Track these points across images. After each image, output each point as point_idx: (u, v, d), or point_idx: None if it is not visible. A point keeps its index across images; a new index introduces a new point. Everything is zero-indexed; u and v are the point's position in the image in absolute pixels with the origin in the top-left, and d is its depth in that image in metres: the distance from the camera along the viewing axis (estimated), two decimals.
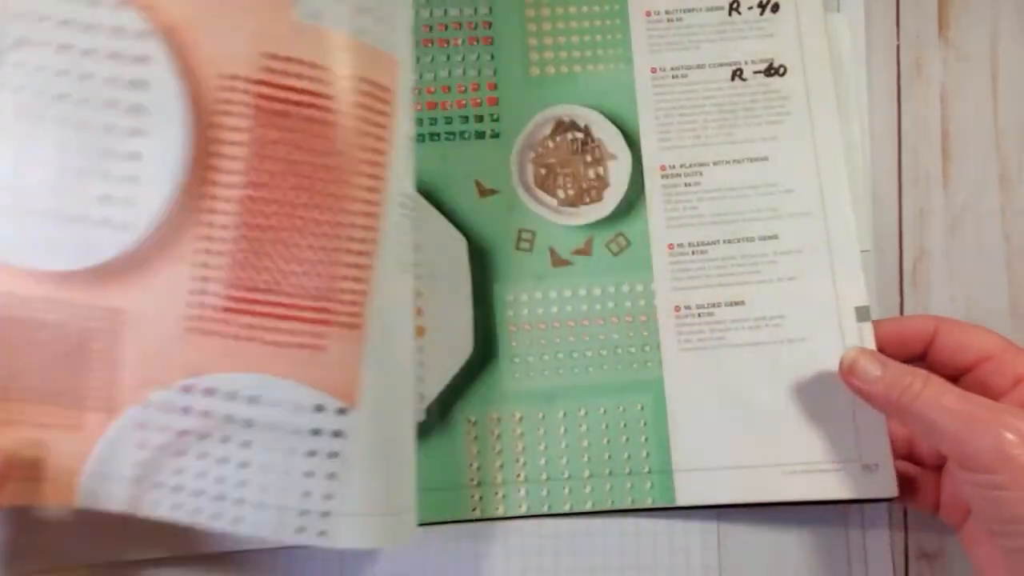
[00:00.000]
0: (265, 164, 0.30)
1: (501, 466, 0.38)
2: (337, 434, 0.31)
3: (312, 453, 0.31)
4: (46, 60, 0.29)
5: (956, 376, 0.34)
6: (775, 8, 0.40)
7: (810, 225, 0.38)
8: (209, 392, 0.30)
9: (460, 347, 0.38)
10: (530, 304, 0.39)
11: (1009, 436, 0.28)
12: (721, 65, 0.40)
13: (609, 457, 0.38)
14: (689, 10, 0.40)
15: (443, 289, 0.39)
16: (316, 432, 0.30)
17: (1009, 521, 0.29)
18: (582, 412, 0.38)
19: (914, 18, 0.43)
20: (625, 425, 0.38)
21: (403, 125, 0.32)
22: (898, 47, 0.43)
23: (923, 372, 0.32)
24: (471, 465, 0.38)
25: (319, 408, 0.31)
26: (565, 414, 0.38)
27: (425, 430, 0.38)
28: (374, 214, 0.31)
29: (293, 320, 0.30)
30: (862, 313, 0.38)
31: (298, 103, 0.30)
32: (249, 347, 0.30)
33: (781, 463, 0.37)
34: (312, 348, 0.30)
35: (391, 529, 0.31)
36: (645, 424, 0.38)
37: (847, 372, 0.34)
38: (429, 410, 0.38)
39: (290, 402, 0.30)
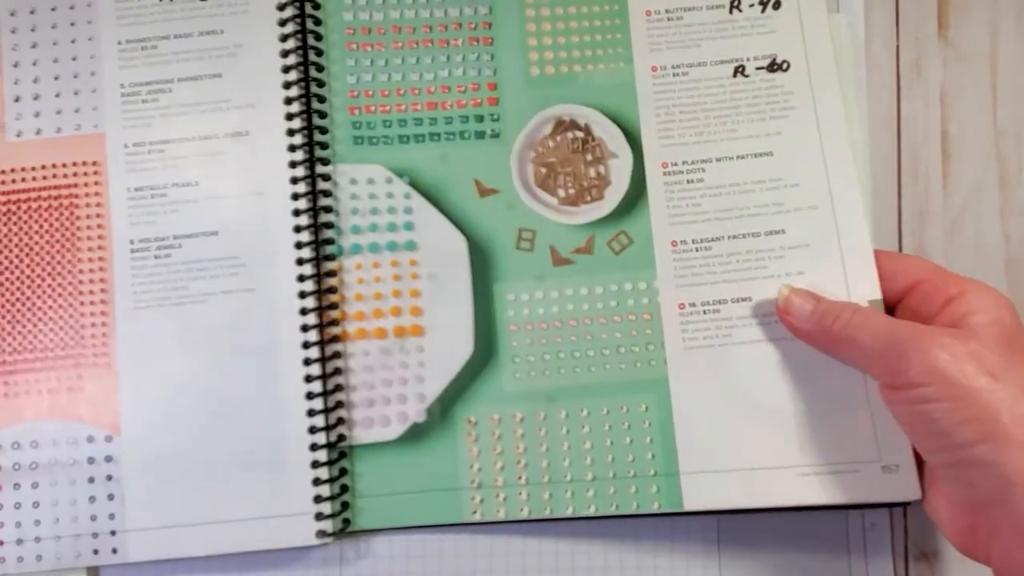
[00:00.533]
0: (6, 253, 0.40)
1: (502, 468, 0.37)
2: (108, 459, 0.37)
3: (91, 480, 0.37)
4: None
5: (891, 304, 0.36)
6: (776, 5, 0.40)
7: (818, 219, 0.38)
8: None
9: (460, 347, 0.38)
10: (531, 304, 0.39)
11: (935, 351, 0.29)
12: (722, 62, 0.40)
13: (612, 459, 0.37)
14: (689, 9, 0.40)
15: (443, 289, 0.39)
16: (91, 461, 0.37)
17: (942, 434, 0.29)
18: (584, 413, 0.38)
19: (913, 18, 0.43)
20: (629, 426, 0.37)
21: (119, 181, 0.39)
22: (897, 47, 0.43)
23: (853, 303, 0.34)
24: (471, 467, 0.37)
25: (90, 439, 0.38)
26: (567, 415, 0.37)
27: (425, 430, 0.37)
28: (105, 268, 0.39)
29: (54, 370, 0.39)
30: (876, 307, 0.37)
31: (22, 200, 0.40)
32: (23, 400, 0.38)
33: (795, 465, 0.36)
34: (74, 389, 0.38)
35: (183, 539, 0.36)
36: (649, 425, 0.37)
37: (782, 311, 0.36)
38: (430, 410, 0.38)
39: (65, 439, 0.38)
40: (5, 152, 0.40)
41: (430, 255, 0.39)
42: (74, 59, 0.41)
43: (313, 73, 0.40)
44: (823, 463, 0.36)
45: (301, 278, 0.38)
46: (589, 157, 0.40)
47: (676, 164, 0.39)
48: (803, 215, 0.38)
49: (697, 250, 0.39)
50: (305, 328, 0.37)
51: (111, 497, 0.37)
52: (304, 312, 0.37)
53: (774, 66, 0.40)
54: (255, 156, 0.39)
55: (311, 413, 0.37)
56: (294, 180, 0.39)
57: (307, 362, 0.37)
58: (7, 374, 0.38)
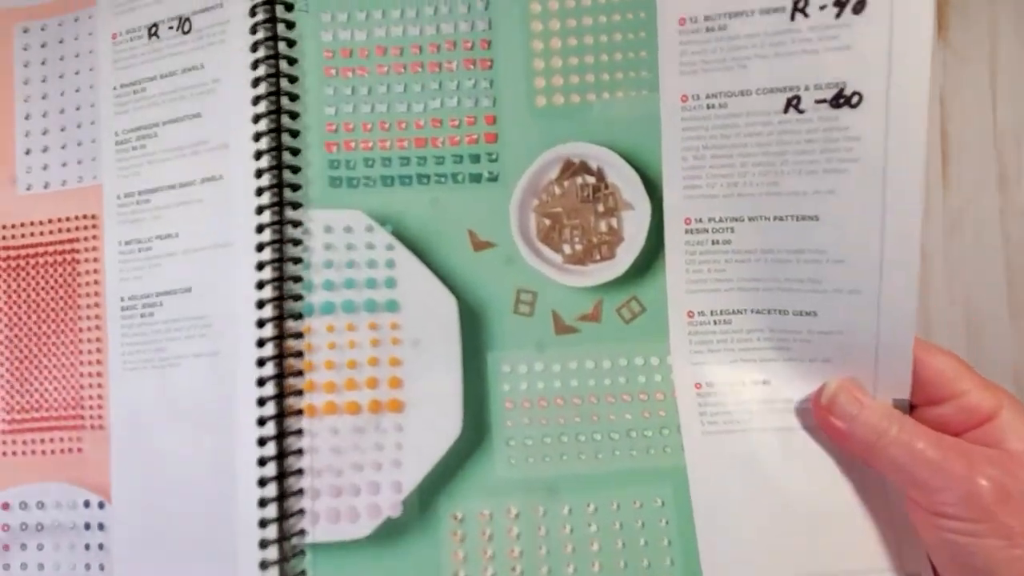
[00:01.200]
0: (15, 308, 0.39)
1: (493, 574, 0.34)
2: (101, 527, 0.37)
3: (87, 546, 0.37)
4: None
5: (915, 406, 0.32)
6: (859, 7, 0.31)
7: (859, 306, 0.31)
8: (5, 507, 0.38)
9: (446, 426, 0.34)
10: (529, 377, 0.34)
11: (984, 483, 0.28)
12: (772, 91, 0.32)
13: (625, 565, 0.33)
14: (737, 14, 0.32)
15: (428, 357, 0.35)
16: (87, 526, 0.37)
17: (981, 570, 0.28)
18: (591, 508, 0.33)
19: None
20: (643, 524, 0.33)
21: (112, 234, 0.38)
22: None
23: (896, 413, 0.31)
24: (456, 573, 0.34)
25: (86, 504, 0.37)
26: (571, 510, 0.34)
27: (401, 527, 0.34)
28: (100, 327, 0.38)
29: (57, 430, 0.38)
30: (899, 406, 0.31)
31: (31, 255, 0.39)
32: (29, 460, 0.38)
33: (819, 572, 0.31)
34: (74, 451, 0.38)
35: None
36: (667, 524, 0.33)
37: (824, 407, 0.32)
38: (407, 503, 0.34)
39: (66, 502, 0.37)
40: (15, 206, 0.39)
41: (414, 317, 0.35)
42: (78, 108, 0.39)
43: (285, 104, 0.35)
44: (845, 570, 0.32)
45: (260, 342, 0.34)
46: (600, 208, 0.34)
47: (701, 220, 0.33)
48: (842, 299, 0.31)
49: (715, 323, 0.33)
50: (262, 401, 0.34)
51: (101, 567, 0.37)
52: (262, 382, 0.34)
53: (840, 99, 0.32)
54: (226, 203, 0.35)
55: (263, 503, 0.34)
56: (259, 228, 0.35)
57: (261, 442, 0.34)
58: (14, 432, 0.39)
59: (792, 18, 0.31)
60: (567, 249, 0.35)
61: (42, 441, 0.38)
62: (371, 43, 0.35)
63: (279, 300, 0.35)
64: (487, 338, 0.35)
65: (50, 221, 0.39)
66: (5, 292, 0.39)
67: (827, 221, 0.31)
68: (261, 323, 0.35)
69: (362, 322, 0.35)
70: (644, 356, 0.34)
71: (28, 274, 0.39)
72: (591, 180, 0.34)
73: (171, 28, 0.37)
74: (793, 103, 0.32)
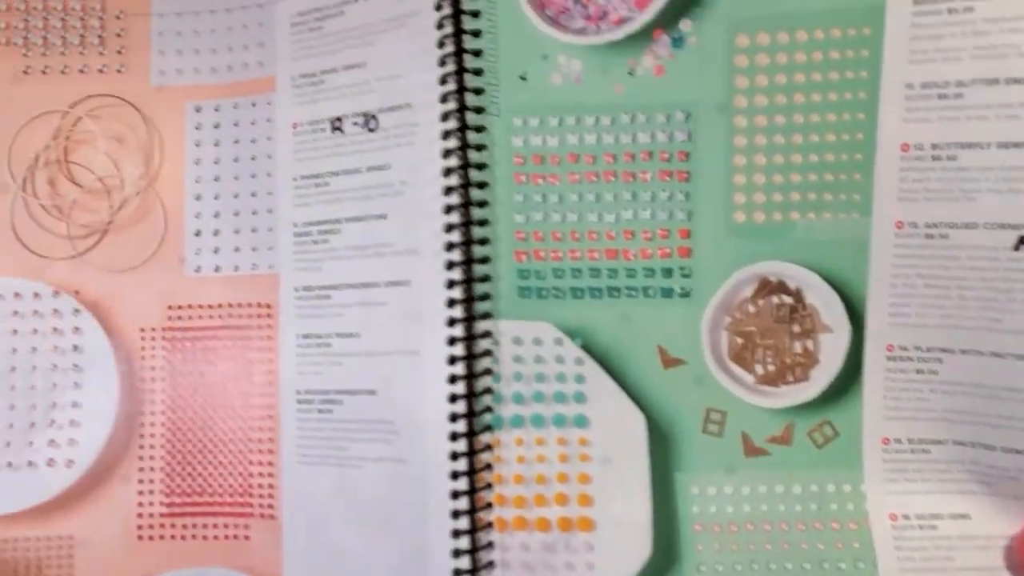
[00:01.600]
0: (179, 391, 0.40)
1: None
2: None
3: None
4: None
5: None
6: None
7: None
8: None
9: (635, 548, 0.34)
10: (718, 500, 0.34)
11: None
12: (1003, 227, 0.31)
13: None
14: (969, 145, 0.31)
15: (617, 476, 0.35)
16: None
17: None
18: None
19: None
20: None
21: (289, 327, 0.38)
22: None
23: None
24: None
25: None
26: None
27: None
28: (273, 416, 0.38)
29: (221, 516, 0.39)
30: None
31: (197, 338, 0.40)
32: (190, 544, 0.39)
33: None
34: (240, 538, 0.38)
35: None
36: None
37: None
38: None
39: None
40: (183, 287, 0.40)
41: (603, 434, 0.35)
42: (253, 195, 0.40)
43: (476, 212, 0.35)
44: None
45: (454, 455, 0.35)
46: (796, 329, 0.33)
47: (906, 349, 0.32)
48: None
49: (913, 451, 0.32)
50: (456, 514, 0.35)
51: None
52: (455, 495, 0.35)
53: None
54: (414, 310, 0.36)
55: None
56: (452, 341, 0.35)
57: (456, 553, 0.35)
58: (174, 516, 0.40)
59: None
60: (759, 369, 0.34)
61: (205, 526, 0.39)
62: (563, 150, 0.35)
63: (470, 414, 0.35)
64: (676, 458, 0.34)
65: (220, 305, 0.40)
66: (170, 374, 0.40)
67: None
68: (454, 436, 0.35)
69: (551, 437, 0.35)
70: (836, 482, 0.33)
71: (195, 357, 0.40)
72: (788, 300, 0.34)
73: (356, 124, 0.37)
74: None
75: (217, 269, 0.40)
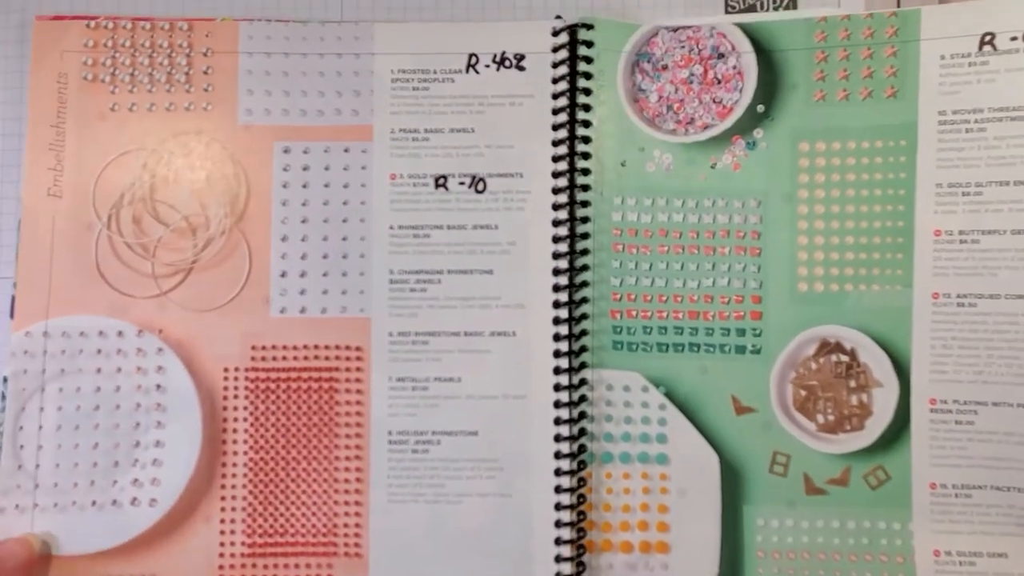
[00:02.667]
0: (262, 431, 0.41)
1: None
2: None
3: None
4: (83, 382, 0.41)
5: None
6: None
7: None
8: None
9: (705, 569, 0.39)
10: (780, 531, 0.39)
11: None
12: (1020, 297, 0.39)
13: None
14: (990, 232, 0.39)
15: (691, 506, 0.40)
16: None
17: None
18: None
19: None
20: None
21: (381, 369, 0.41)
22: None
23: None
24: None
25: None
26: None
27: None
28: (361, 456, 0.40)
29: (304, 555, 0.40)
30: None
31: (281, 379, 0.41)
32: None
33: None
34: None
35: None
36: None
37: None
38: None
39: None
40: (268, 327, 0.41)
41: (681, 470, 0.40)
42: (344, 239, 0.42)
43: (581, 275, 0.40)
44: None
45: (558, 489, 0.39)
46: (853, 384, 0.40)
47: (946, 402, 0.39)
48: None
49: (956, 496, 0.39)
50: (559, 541, 0.39)
51: None
52: (559, 525, 0.39)
53: None
54: (520, 358, 0.39)
55: None
56: (557, 387, 0.39)
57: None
58: (255, 556, 0.41)
59: None
60: (820, 418, 0.40)
61: (287, 566, 0.40)
62: (655, 226, 0.41)
63: (573, 454, 0.39)
64: (744, 493, 0.40)
65: (306, 347, 0.41)
66: (252, 414, 0.41)
67: None
68: (559, 472, 0.39)
69: (635, 471, 0.40)
70: (887, 521, 0.40)
71: (279, 397, 0.41)
72: (845, 359, 0.40)
73: (462, 184, 0.41)
74: None
75: (303, 311, 0.42)
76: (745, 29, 0.41)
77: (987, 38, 0.39)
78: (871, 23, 0.40)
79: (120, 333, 0.41)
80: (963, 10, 0.40)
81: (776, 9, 0.43)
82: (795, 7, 0.43)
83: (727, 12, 0.43)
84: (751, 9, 0.43)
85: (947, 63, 0.39)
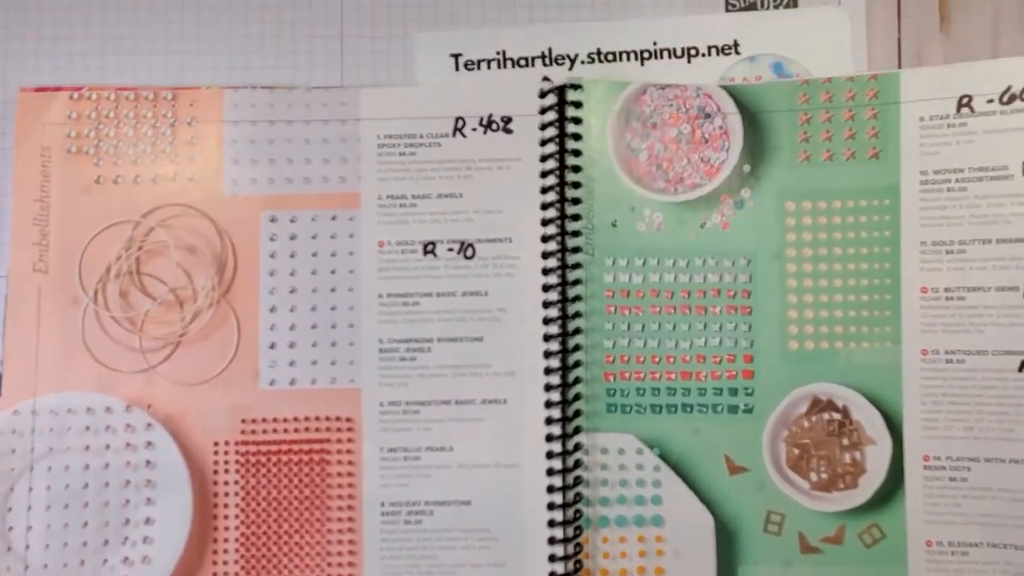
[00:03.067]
0: (253, 505, 0.41)
1: None
2: None
3: None
4: (72, 460, 0.40)
5: None
6: None
7: None
8: None
9: None
10: None
11: None
12: (1008, 353, 0.40)
13: None
14: (974, 289, 0.40)
15: (687, 568, 0.41)
16: None
17: None
18: None
19: (915, 11, 0.43)
20: None
21: (373, 440, 0.41)
22: (899, 40, 0.43)
23: None
24: None
25: None
26: None
27: None
28: (354, 529, 0.40)
29: None
30: None
31: (272, 452, 0.41)
32: None
33: None
34: None
35: None
36: None
37: None
38: None
39: None
40: (258, 400, 0.41)
41: (676, 532, 0.40)
42: (333, 308, 0.42)
43: (574, 339, 0.40)
44: None
45: (553, 558, 0.39)
46: (845, 441, 0.40)
47: (939, 459, 0.40)
48: None
49: (953, 553, 0.39)
50: None
51: None
52: None
53: None
54: (512, 426, 0.40)
55: None
56: (550, 455, 0.39)
57: None
58: None
59: None
60: (814, 477, 0.40)
61: None
62: (646, 286, 0.41)
63: (567, 521, 0.39)
64: (739, 553, 0.40)
65: (296, 419, 0.42)
66: (243, 488, 0.41)
67: None
68: (552, 541, 0.39)
69: (631, 535, 0.40)
70: None
71: (270, 471, 0.41)
72: (837, 416, 0.40)
73: (451, 250, 0.41)
74: None
75: (292, 382, 0.42)
76: (729, 91, 0.42)
77: (964, 100, 0.40)
78: (852, 86, 0.41)
79: (108, 409, 0.41)
80: (940, 73, 0.41)
81: (776, 8, 0.43)
82: (795, 5, 0.43)
83: (727, 11, 0.44)
84: (751, 8, 0.43)
85: (927, 124, 0.40)
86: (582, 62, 0.44)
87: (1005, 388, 0.39)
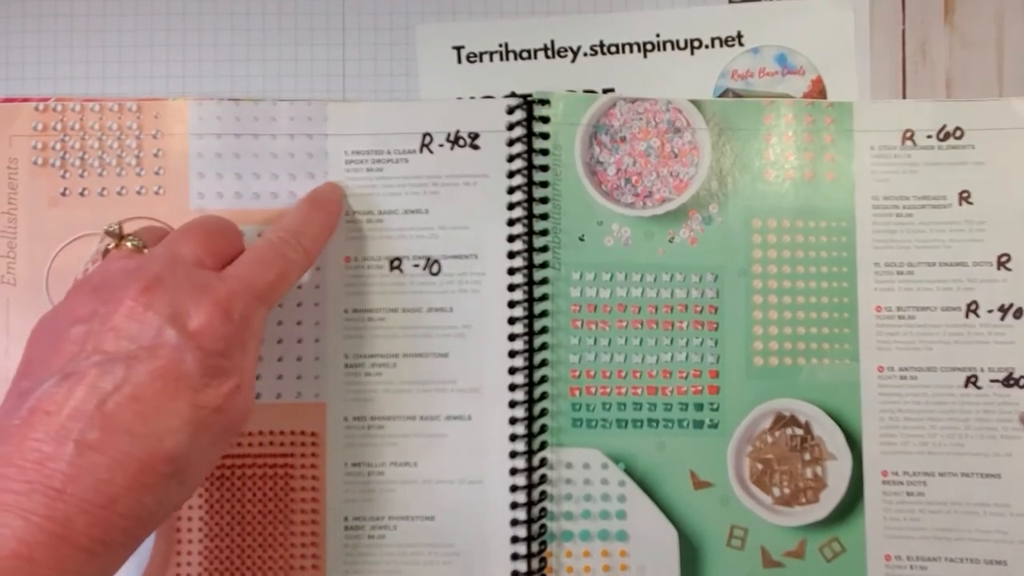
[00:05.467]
0: (216, 519, 0.44)
1: None
2: None
3: None
4: None
5: None
6: (1018, 314, 0.43)
7: None
8: None
9: None
10: None
11: None
12: (954, 370, 0.43)
13: None
14: (923, 308, 0.43)
15: None
16: None
17: None
18: None
19: (919, 3, 0.47)
20: None
21: (337, 455, 0.44)
22: (903, 32, 0.47)
23: None
24: None
25: None
26: None
27: None
28: (317, 543, 0.43)
29: None
30: None
31: (236, 466, 0.44)
32: None
33: None
34: None
35: None
36: None
37: None
38: None
39: None
40: None
41: (640, 546, 0.43)
42: (298, 323, 0.45)
43: (540, 354, 0.43)
44: None
45: (516, 574, 0.41)
46: (807, 457, 0.43)
47: (897, 474, 0.43)
48: None
49: (912, 568, 0.42)
50: None
51: None
52: None
53: (1010, 381, 0.43)
54: (476, 442, 0.42)
55: None
56: (513, 471, 0.42)
57: None
58: None
59: (967, 316, 0.43)
60: (776, 492, 0.44)
61: None
62: (613, 301, 0.44)
63: (530, 537, 0.42)
64: (703, 568, 0.44)
65: (260, 433, 0.45)
66: (207, 501, 0.44)
67: (1008, 479, 0.44)
68: (515, 556, 0.42)
69: (595, 549, 0.43)
70: None
71: (233, 484, 0.45)
72: (799, 432, 0.44)
73: (416, 266, 0.44)
74: (972, 380, 0.43)
75: (257, 397, 0.45)
76: (699, 106, 0.44)
77: (908, 134, 0.45)
78: (811, 111, 0.44)
79: None
80: (887, 107, 0.46)
81: None
82: None
83: (730, 2, 0.47)
84: None
85: (877, 153, 0.45)
86: (584, 54, 0.47)
87: (953, 404, 0.44)
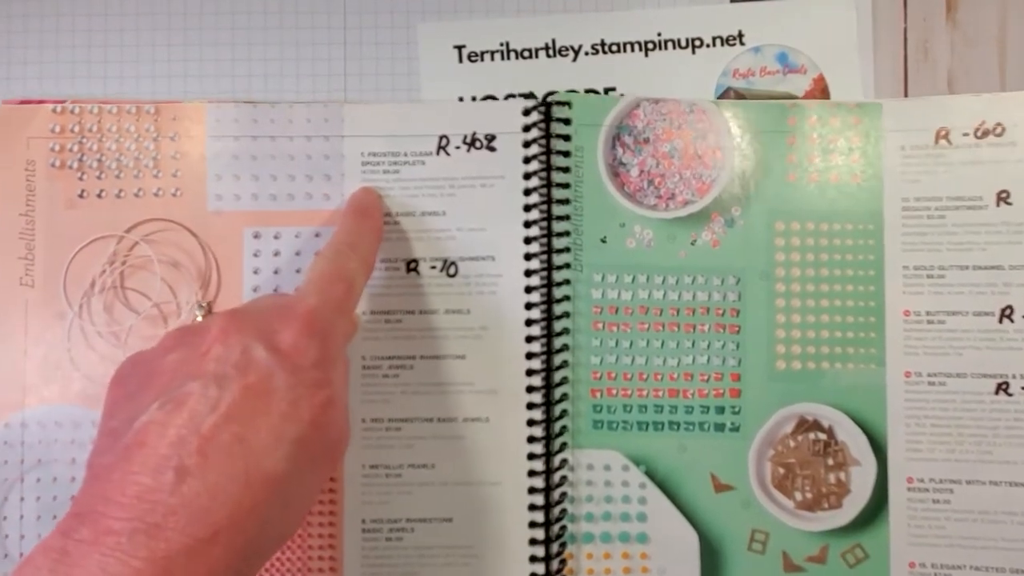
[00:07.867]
0: None
1: None
2: None
3: None
4: (59, 472, 0.47)
5: None
6: None
7: None
8: None
9: None
10: None
11: None
12: (985, 376, 0.45)
13: None
14: (954, 313, 0.45)
15: None
16: None
17: None
18: None
19: (921, 0, 0.49)
20: None
21: (356, 456, 0.46)
22: (905, 30, 0.49)
23: None
24: None
25: None
26: None
27: None
28: (335, 545, 0.46)
29: None
30: None
31: None
32: None
33: None
34: None
35: None
36: None
37: None
38: None
39: None
40: None
41: (661, 549, 0.46)
42: None
43: (560, 355, 0.45)
44: None
45: None
46: (830, 462, 0.45)
47: (923, 481, 0.45)
48: None
49: None
50: None
51: None
52: None
53: None
54: (494, 444, 0.45)
55: None
56: (532, 473, 0.44)
57: None
58: None
59: (1000, 321, 0.44)
60: (799, 496, 0.46)
61: None
62: (635, 303, 0.47)
63: (549, 539, 0.44)
64: (723, 571, 0.46)
65: None
66: None
67: None
68: (533, 559, 0.44)
69: (616, 551, 0.46)
70: None
71: None
72: (823, 437, 0.46)
73: (434, 268, 0.46)
74: (1003, 387, 0.45)
75: None
76: (722, 108, 0.46)
77: (942, 132, 0.46)
78: (837, 111, 0.46)
79: (94, 423, 0.46)
80: (919, 106, 0.48)
81: None
82: None
83: (732, 0, 0.50)
84: None
85: (907, 153, 0.47)
86: (586, 53, 0.49)
87: (983, 411, 0.46)
